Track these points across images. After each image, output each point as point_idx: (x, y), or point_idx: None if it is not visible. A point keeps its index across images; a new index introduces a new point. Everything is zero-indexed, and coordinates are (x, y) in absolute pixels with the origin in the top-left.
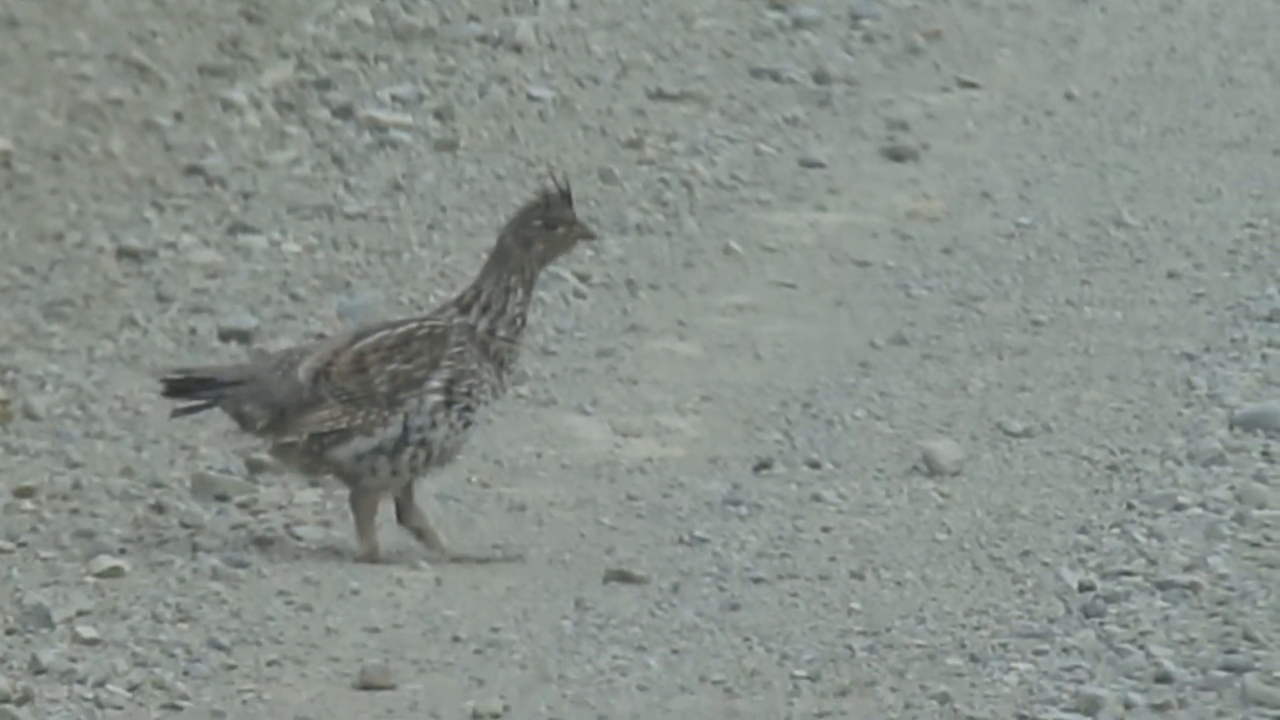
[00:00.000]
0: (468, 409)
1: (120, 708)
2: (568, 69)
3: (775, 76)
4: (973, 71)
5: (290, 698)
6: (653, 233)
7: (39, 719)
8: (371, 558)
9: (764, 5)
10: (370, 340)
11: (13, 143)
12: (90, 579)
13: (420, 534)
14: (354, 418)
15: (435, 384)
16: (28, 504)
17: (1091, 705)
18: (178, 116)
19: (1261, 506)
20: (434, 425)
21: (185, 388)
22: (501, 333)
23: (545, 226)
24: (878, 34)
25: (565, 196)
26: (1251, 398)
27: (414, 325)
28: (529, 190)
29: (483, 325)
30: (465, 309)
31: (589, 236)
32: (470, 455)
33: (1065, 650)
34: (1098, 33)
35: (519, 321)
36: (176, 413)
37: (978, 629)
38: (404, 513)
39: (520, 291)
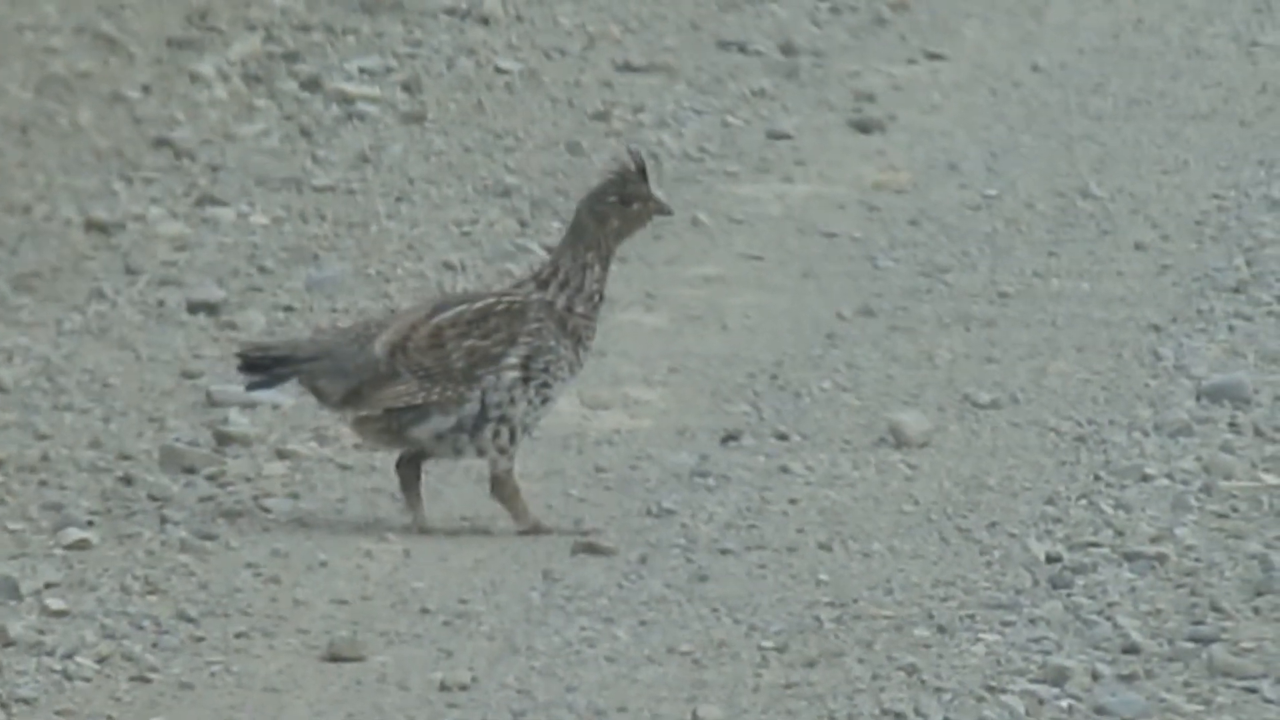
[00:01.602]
0: (545, 385)
1: (89, 679)
2: (535, 41)
3: (742, 48)
4: (939, 43)
5: (259, 669)
6: None
7: (7, 691)
8: (537, 530)
9: None
10: (448, 315)
11: None
12: (58, 551)
13: (405, 486)
14: (430, 393)
15: (513, 360)
16: None
17: (1059, 676)
18: (146, 89)
19: (1228, 477)
20: (512, 401)
21: (261, 364)
22: (579, 309)
23: (621, 202)
24: (844, 5)
25: (641, 172)
26: (1218, 369)
27: (492, 300)
28: (496, 163)
29: (561, 301)
30: (544, 285)
31: (665, 212)
32: None
33: (1032, 621)
34: (1064, 4)
35: (596, 298)
36: (251, 387)
37: (945, 600)
38: (405, 462)
39: (597, 268)
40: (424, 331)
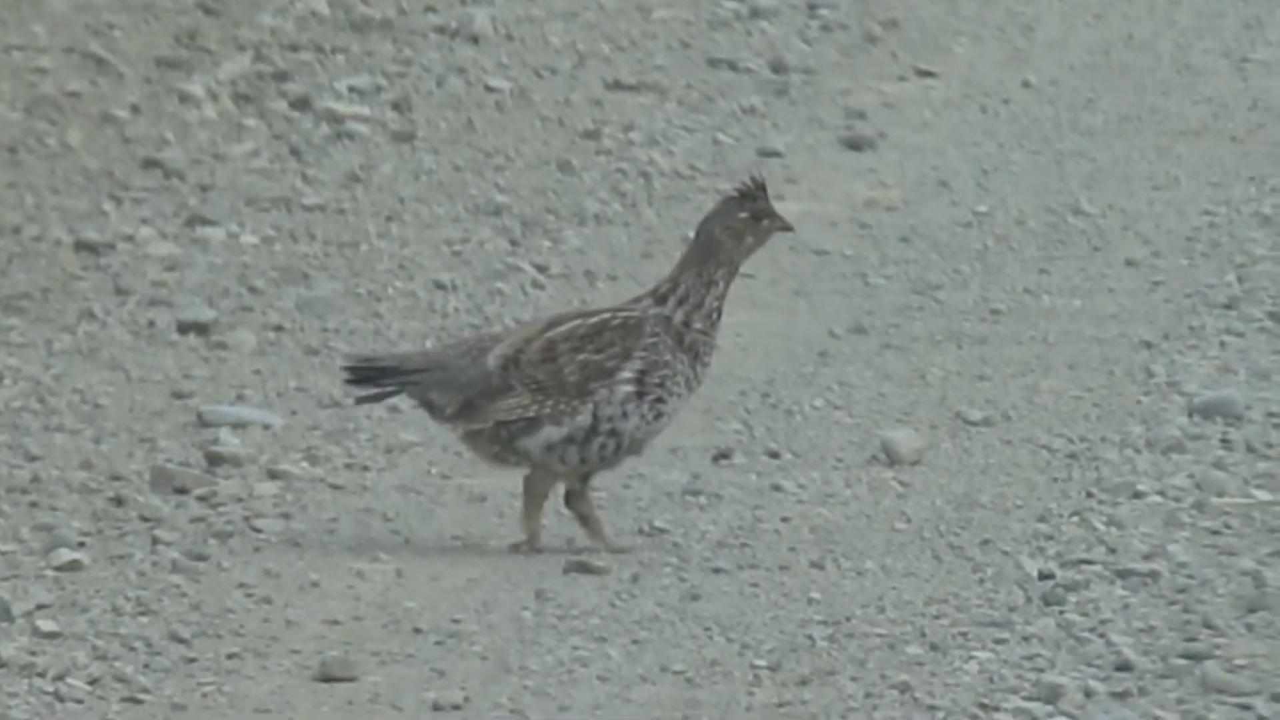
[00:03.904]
0: (660, 400)
1: (80, 701)
2: (525, 60)
3: (733, 66)
4: (930, 60)
5: (251, 690)
6: (611, 223)
7: None
8: (532, 544)
9: None
10: (562, 329)
11: None
12: (50, 572)
13: (585, 520)
14: (543, 406)
15: (627, 374)
16: None
17: (1052, 693)
18: (135, 109)
19: (1220, 494)
20: (625, 415)
21: (369, 376)
22: (698, 325)
23: (752, 218)
24: (835, 23)
25: (763, 189)
26: (1210, 385)
27: (607, 315)
28: (487, 181)
29: (679, 317)
30: (661, 300)
31: (788, 228)
32: (430, 446)
33: (1025, 639)
34: (1055, 21)
35: (715, 315)
36: (360, 400)
37: (938, 618)
38: (573, 497)
39: (722, 285)
40: (537, 345)
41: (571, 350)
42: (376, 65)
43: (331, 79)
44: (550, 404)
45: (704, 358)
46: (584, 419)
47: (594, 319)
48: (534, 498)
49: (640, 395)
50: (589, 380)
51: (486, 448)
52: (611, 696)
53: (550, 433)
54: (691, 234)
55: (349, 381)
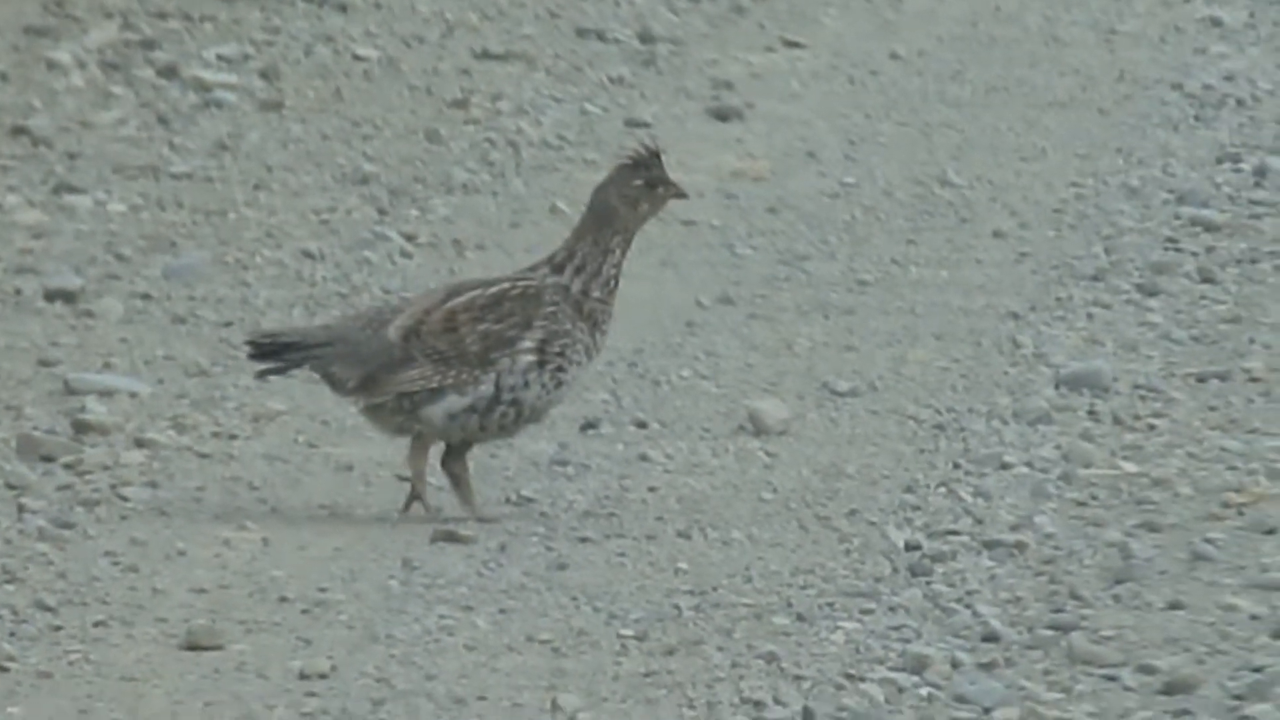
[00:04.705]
0: (560, 369)
1: None
2: (393, 28)
3: (601, 36)
4: (798, 31)
5: (117, 658)
6: (479, 192)
7: None
8: (417, 486)
9: None
10: (462, 299)
11: None
12: None
13: (457, 482)
14: (444, 377)
15: (528, 344)
16: None
17: (919, 664)
18: (2, 77)
19: (1087, 465)
20: (526, 385)
21: (272, 351)
22: (596, 294)
23: (647, 186)
24: None
25: (657, 156)
26: (1077, 357)
27: (507, 285)
28: (354, 150)
29: (577, 286)
30: (559, 269)
31: (683, 195)
32: (297, 415)
33: (892, 609)
34: None
35: (613, 283)
36: (261, 374)
37: (804, 588)
38: (450, 458)
39: (618, 253)
40: (438, 316)
41: (472, 320)
42: (244, 33)
43: (199, 47)
44: (452, 374)
45: (603, 326)
46: (486, 388)
47: (493, 289)
48: (420, 447)
49: (541, 364)
50: (490, 350)
51: (390, 419)
52: (478, 665)
53: (453, 401)
54: (562, 203)
55: (251, 356)
